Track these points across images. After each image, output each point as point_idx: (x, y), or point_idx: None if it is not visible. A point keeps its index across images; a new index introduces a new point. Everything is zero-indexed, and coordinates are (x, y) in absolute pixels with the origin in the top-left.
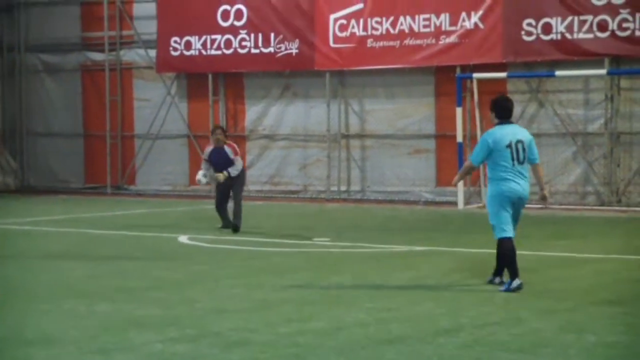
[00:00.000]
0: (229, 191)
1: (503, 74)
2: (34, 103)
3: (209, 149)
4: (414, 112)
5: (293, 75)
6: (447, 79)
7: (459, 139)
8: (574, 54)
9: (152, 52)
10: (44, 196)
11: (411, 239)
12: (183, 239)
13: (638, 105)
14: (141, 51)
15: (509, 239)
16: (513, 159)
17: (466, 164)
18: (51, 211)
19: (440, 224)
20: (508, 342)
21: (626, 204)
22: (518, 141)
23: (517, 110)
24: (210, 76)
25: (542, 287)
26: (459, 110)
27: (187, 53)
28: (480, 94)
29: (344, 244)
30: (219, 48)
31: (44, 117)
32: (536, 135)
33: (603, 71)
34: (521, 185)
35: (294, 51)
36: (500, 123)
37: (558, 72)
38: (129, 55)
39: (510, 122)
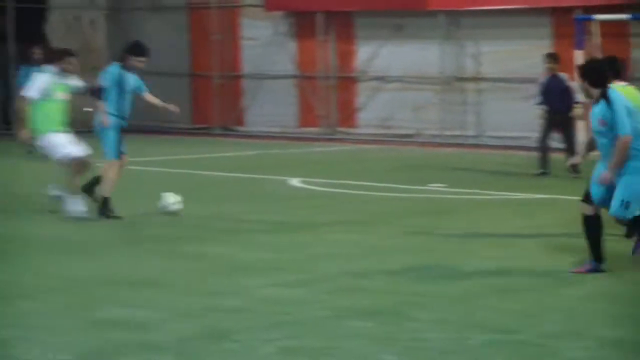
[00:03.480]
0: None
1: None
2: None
3: (541, 78)
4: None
5: (404, 14)
6: (566, 21)
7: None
8: None
9: None
10: (150, 136)
11: (528, 186)
12: (294, 181)
13: None
14: None
15: None
16: None
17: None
18: (160, 152)
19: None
20: None
21: None
22: None
23: None
24: (318, 15)
25: None
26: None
27: None
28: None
29: (460, 190)
30: None
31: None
32: None
33: None
34: None
35: None
36: None
37: None
38: None
39: None
